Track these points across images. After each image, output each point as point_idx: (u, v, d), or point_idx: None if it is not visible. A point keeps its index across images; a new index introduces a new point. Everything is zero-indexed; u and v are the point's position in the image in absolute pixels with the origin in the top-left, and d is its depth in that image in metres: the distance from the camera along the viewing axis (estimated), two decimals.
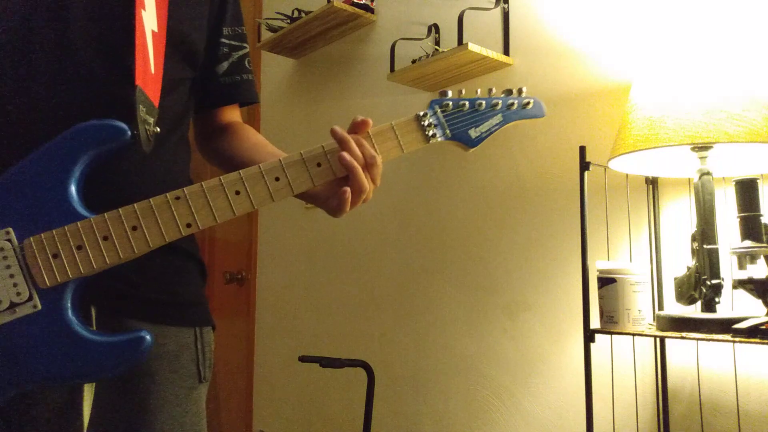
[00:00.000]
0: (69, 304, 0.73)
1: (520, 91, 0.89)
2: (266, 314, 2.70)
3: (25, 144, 0.75)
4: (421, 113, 0.85)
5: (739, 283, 1.11)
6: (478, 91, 0.88)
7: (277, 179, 0.78)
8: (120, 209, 0.74)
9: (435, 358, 1.96)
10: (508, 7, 1.82)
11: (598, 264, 1.31)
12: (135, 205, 0.74)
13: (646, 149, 1.17)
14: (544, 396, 1.65)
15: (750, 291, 1.09)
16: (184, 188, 0.76)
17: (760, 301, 1.09)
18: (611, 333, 1.26)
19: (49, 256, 0.71)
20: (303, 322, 2.50)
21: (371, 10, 2.27)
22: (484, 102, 0.87)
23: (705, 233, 1.19)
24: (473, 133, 0.87)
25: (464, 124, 0.86)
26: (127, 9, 0.80)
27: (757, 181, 1.14)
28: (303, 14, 2.36)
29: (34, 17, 0.79)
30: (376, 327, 2.17)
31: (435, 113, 0.85)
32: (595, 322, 1.30)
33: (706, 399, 1.33)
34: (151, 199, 0.75)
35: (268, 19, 2.50)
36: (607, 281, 1.27)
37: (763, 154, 1.23)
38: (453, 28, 1.89)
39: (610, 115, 1.55)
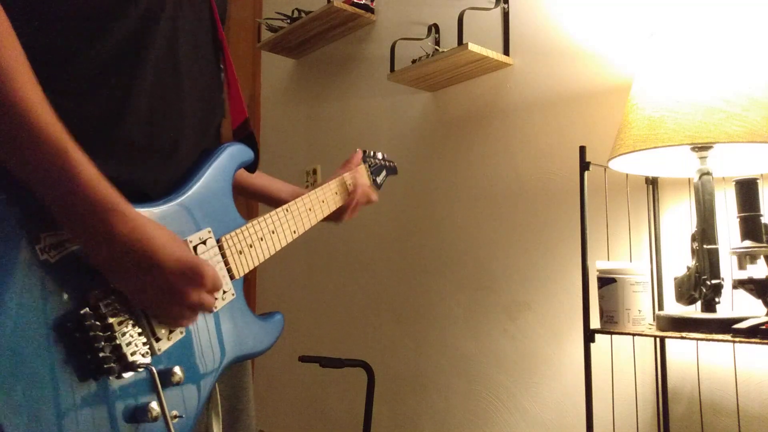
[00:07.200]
0: (242, 293, 0.88)
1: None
2: None
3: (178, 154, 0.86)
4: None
5: (739, 283, 1.10)
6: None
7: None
8: (267, 215, 0.93)
9: (435, 358, 1.96)
10: (508, 7, 1.82)
11: (598, 264, 1.31)
12: (276, 211, 0.95)
13: (646, 149, 1.17)
14: (544, 396, 1.65)
15: (750, 291, 1.09)
16: (290, 204, 0.98)
17: (760, 301, 1.09)
18: (611, 333, 1.26)
19: (235, 252, 0.85)
20: (303, 322, 2.50)
21: (371, 10, 2.27)
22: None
23: (705, 233, 1.19)
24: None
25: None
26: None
27: (757, 181, 1.13)
28: (303, 14, 2.36)
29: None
30: (376, 327, 2.17)
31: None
32: (595, 322, 1.30)
33: (706, 399, 1.33)
34: (282, 208, 0.97)
35: (268, 19, 2.50)
36: (607, 281, 1.27)
37: (763, 154, 1.23)
38: (453, 28, 1.89)
39: (610, 115, 1.55)
